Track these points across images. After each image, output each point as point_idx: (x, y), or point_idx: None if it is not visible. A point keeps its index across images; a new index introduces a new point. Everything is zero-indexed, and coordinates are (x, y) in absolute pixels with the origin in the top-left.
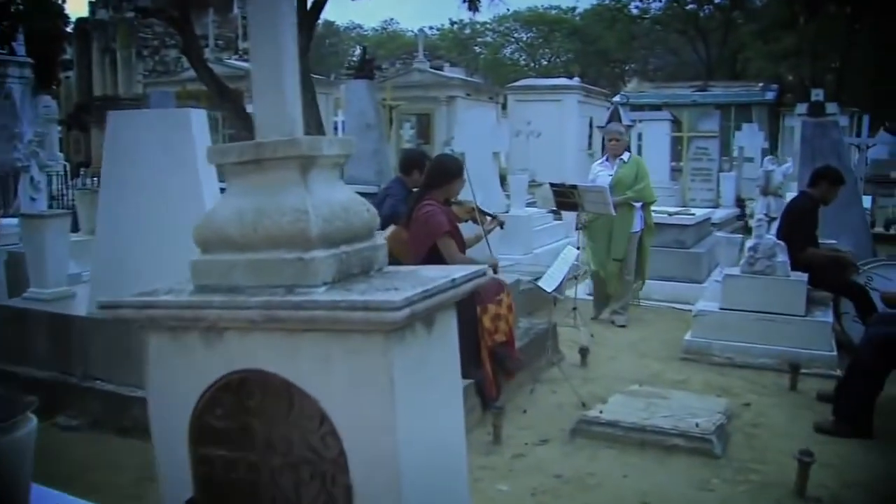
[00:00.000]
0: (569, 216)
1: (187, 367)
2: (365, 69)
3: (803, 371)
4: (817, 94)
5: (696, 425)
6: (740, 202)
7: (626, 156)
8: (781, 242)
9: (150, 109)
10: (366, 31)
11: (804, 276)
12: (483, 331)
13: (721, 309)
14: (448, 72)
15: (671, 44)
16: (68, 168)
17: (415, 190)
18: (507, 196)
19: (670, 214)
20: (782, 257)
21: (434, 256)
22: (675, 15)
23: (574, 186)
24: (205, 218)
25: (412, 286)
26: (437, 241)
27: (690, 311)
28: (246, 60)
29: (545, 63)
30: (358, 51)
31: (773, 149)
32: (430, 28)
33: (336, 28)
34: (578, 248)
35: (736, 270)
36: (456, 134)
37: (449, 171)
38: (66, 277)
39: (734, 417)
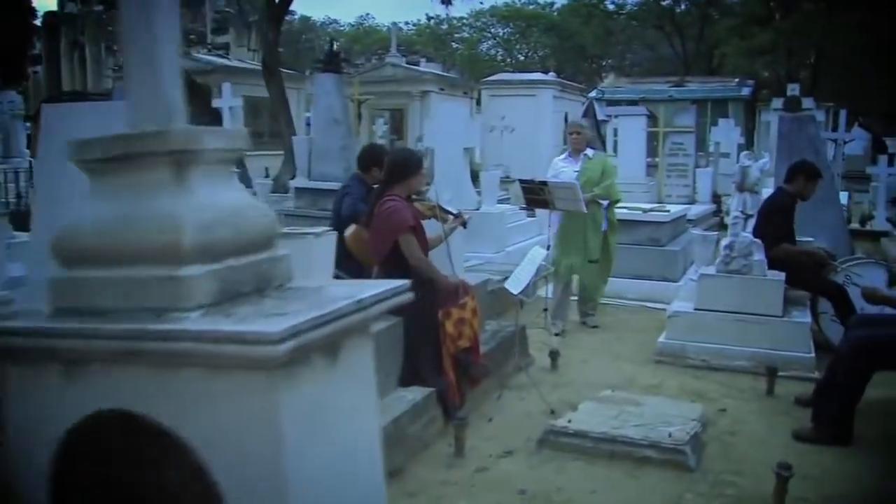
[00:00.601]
0: (543, 213)
1: (47, 405)
2: (332, 63)
3: (781, 374)
4: (793, 89)
5: (669, 435)
6: (717, 198)
7: (590, 152)
8: (758, 240)
9: (86, 103)
10: (342, 25)
11: (781, 276)
12: (446, 336)
13: (696, 309)
14: (424, 67)
15: (648, 39)
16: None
17: (375, 187)
18: (479, 193)
19: (644, 211)
20: (759, 256)
21: (397, 255)
22: (652, 10)
23: (544, 183)
24: (64, 227)
25: (307, 310)
26: (398, 237)
27: (665, 310)
28: (216, 55)
29: (522, 59)
30: (334, 46)
31: (749, 144)
32: (407, 24)
33: (312, 23)
34: (548, 248)
35: (711, 269)
36: (426, 129)
37: (409, 165)
38: (8, 280)
39: (710, 425)
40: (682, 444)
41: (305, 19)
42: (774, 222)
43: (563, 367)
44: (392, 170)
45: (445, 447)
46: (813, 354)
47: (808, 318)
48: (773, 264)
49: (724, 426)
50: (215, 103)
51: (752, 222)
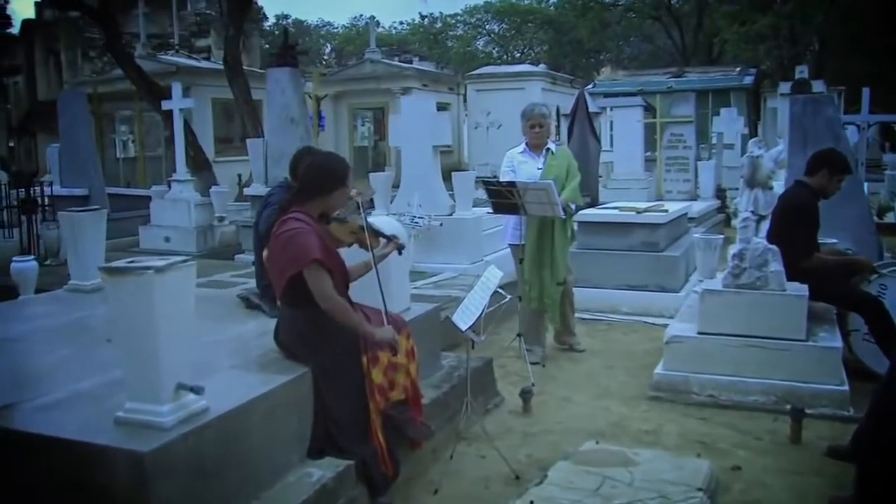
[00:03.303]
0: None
1: None
2: (287, 56)
3: (808, 412)
4: (801, 71)
5: None
6: (720, 193)
7: (553, 146)
8: (774, 247)
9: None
10: (336, 27)
11: (804, 290)
12: (373, 389)
13: (700, 333)
14: (417, 65)
15: (645, 31)
16: (3, 178)
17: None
18: (452, 196)
19: (639, 212)
20: (775, 266)
21: (301, 289)
22: (648, 1)
23: (512, 184)
24: None
25: None
26: (303, 271)
27: (665, 326)
28: (183, 55)
29: (518, 55)
30: (329, 48)
31: (752, 135)
32: (401, 23)
33: (307, 26)
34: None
35: (717, 283)
36: (391, 127)
37: (331, 175)
38: None
39: (720, 491)
40: None
41: (300, 23)
42: (804, 226)
43: (537, 409)
44: (308, 179)
45: None
46: (847, 387)
47: (838, 342)
48: (797, 275)
49: (738, 492)
50: (164, 105)
51: (765, 225)
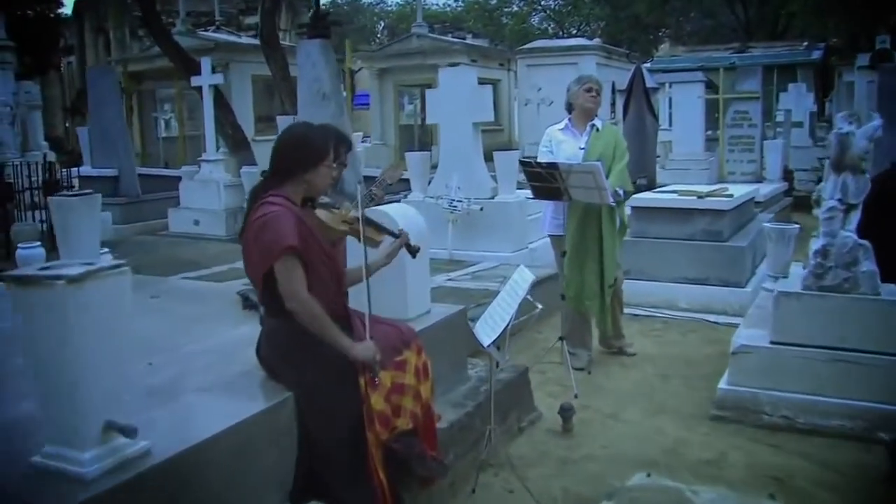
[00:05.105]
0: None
1: None
2: (319, 27)
3: None
4: (883, 41)
5: None
6: (788, 174)
7: (598, 122)
8: (866, 242)
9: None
10: (389, 5)
11: None
12: (371, 417)
13: (773, 343)
14: (467, 41)
15: (707, 5)
16: (46, 158)
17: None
18: (495, 178)
19: (701, 196)
20: (867, 265)
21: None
22: None
23: (554, 166)
24: None
25: None
26: (273, 264)
27: (729, 325)
28: (224, 31)
29: (574, 31)
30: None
31: (820, 113)
32: (456, 0)
33: (360, 4)
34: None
35: (794, 284)
36: (428, 102)
37: (307, 148)
38: None
39: None
40: None
41: (355, 1)
42: None
43: (579, 428)
44: (282, 156)
45: None
46: None
47: None
48: (894, 277)
49: None
50: (194, 81)
51: (855, 216)
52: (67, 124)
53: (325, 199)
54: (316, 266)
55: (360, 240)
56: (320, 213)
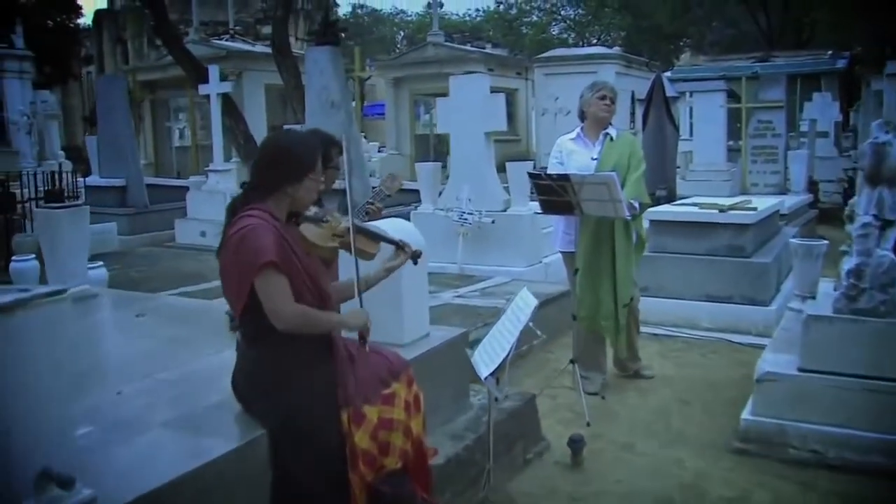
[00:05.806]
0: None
1: None
2: (328, 34)
3: None
4: None
5: None
6: (813, 186)
7: (612, 130)
8: None
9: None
10: (409, 15)
11: None
12: (355, 457)
13: (801, 370)
14: (487, 51)
15: (729, 14)
16: (62, 168)
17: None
18: (507, 189)
19: (722, 210)
20: None
21: (258, 317)
22: None
23: (565, 177)
24: None
25: None
26: (253, 282)
27: (753, 346)
28: (239, 40)
29: (595, 41)
30: (401, 35)
31: (846, 123)
32: (477, 10)
33: (380, 14)
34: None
35: (825, 306)
36: (438, 110)
37: (290, 160)
38: None
39: None
40: None
41: (375, 11)
42: None
43: (591, 461)
44: (262, 168)
45: None
46: None
47: None
48: None
49: None
50: (202, 89)
51: (893, 233)
52: (86, 134)
53: (311, 212)
54: (297, 288)
55: (351, 252)
56: (307, 228)
